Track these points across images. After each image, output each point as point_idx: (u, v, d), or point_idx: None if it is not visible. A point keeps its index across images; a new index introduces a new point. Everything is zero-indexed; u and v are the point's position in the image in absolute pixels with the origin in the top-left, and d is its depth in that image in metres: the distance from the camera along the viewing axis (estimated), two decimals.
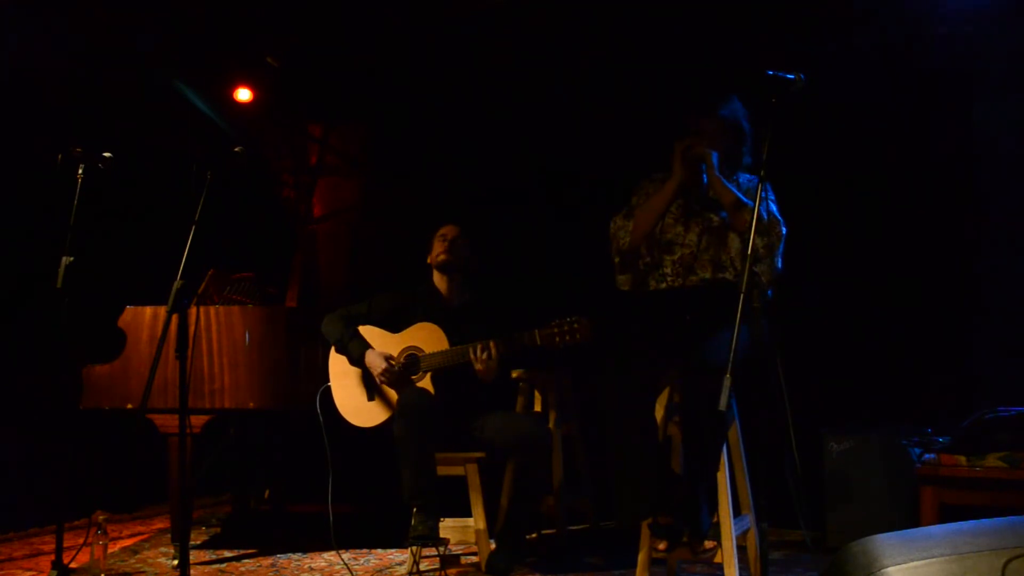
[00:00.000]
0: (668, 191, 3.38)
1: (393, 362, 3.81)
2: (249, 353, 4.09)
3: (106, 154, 3.76)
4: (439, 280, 4.02)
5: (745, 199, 3.28)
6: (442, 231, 4.03)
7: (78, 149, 3.72)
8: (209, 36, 5.03)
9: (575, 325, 3.57)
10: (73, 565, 3.75)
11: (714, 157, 3.32)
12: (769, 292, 3.18)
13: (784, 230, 3.21)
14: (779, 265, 3.22)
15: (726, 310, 3.23)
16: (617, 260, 3.46)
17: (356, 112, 5.45)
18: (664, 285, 3.39)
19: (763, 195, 3.30)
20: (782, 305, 3.20)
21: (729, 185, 3.32)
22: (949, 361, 4.21)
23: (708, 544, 3.08)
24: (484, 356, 3.65)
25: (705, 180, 3.37)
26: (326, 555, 4.08)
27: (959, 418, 3.50)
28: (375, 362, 3.81)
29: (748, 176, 3.45)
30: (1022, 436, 3.27)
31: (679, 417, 3.26)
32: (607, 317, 3.60)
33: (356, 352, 3.86)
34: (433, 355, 3.80)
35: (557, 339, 3.59)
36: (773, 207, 3.27)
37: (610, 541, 4.22)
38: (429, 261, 4.02)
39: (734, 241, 3.31)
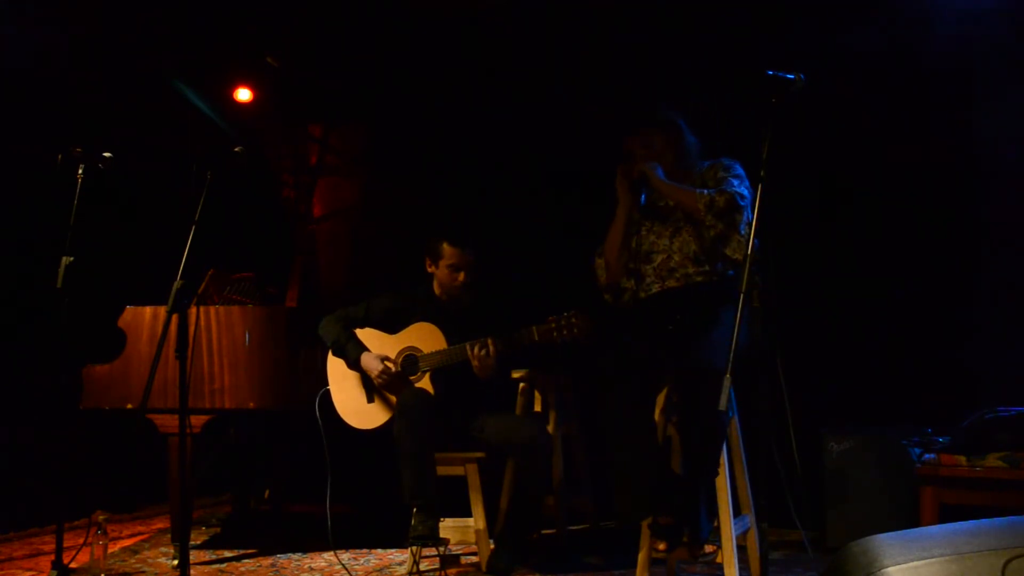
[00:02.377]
0: (619, 220, 3.47)
1: (389, 363, 3.81)
2: (249, 353, 4.08)
3: (106, 154, 3.76)
4: (438, 286, 4.00)
5: (696, 189, 3.32)
6: (453, 259, 3.87)
7: (78, 149, 3.72)
8: (209, 36, 5.03)
9: (572, 320, 3.56)
10: (73, 565, 3.75)
11: (657, 170, 3.38)
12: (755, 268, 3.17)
13: (743, 203, 3.22)
14: (754, 240, 3.22)
15: (718, 304, 3.25)
16: (608, 296, 3.57)
17: (356, 112, 5.44)
18: (654, 290, 3.41)
19: (723, 175, 3.35)
20: (782, 305, 3.20)
21: (678, 184, 3.36)
22: (949, 361, 4.21)
23: (708, 548, 3.08)
24: (482, 353, 3.64)
25: (643, 200, 3.45)
26: (326, 555, 4.08)
27: (959, 418, 3.50)
28: (372, 364, 3.80)
29: (709, 162, 3.49)
30: (1022, 436, 3.26)
31: (678, 417, 3.27)
32: (605, 317, 3.60)
33: (353, 354, 3.86)
34: (431, 355, 3.80)
35: (555, 335, 3.58)
36: (735, 183, 3.30)
37: (610, 541, 4.22)
38: (430, 270, 3.97)
39: (704, 232, 3.34)
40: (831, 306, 4.38)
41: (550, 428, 4.10)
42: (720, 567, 3.16)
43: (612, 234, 3.49)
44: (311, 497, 4.85)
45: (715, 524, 3.14)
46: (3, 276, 4.83)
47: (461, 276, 3.90)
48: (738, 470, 3.33)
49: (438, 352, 3.79)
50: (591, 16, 4.76)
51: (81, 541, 3.87)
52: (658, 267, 3.41)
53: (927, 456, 3.42)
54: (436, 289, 3.99)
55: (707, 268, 3.35)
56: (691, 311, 3.33)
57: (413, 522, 3.56)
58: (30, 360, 4.63)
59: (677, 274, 3.38)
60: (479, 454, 3.76)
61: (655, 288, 3.41)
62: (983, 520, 1.95)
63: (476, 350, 3.65)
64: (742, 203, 3.23)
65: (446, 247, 3.89)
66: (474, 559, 3.92)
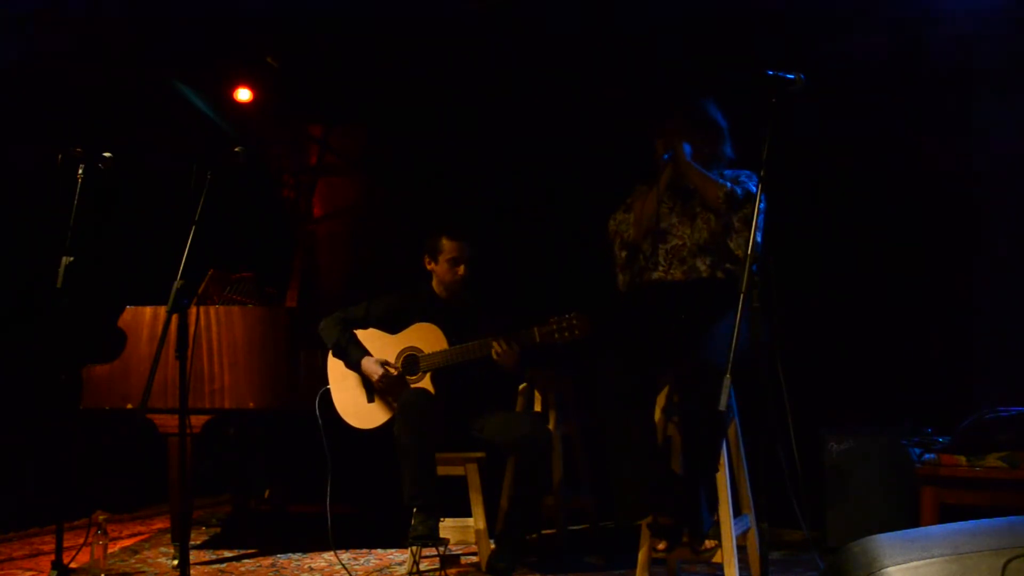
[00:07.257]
0: (661, 181, 3.39)
1: (390, 367, 3.81)
2: (249, 353, 4.08)
3: (106, 154, 3.76)
4: (438, 283, 4.00)
5: (716, 177, 3.31)
6: (453, 253, 3.89)
7: (78, 149, 3.72)
8: (209, 36, 5.03)
9: (574, 321, 3.57)
10: (73, 565, 3.75)
11: (686, 147, 3.35)
12: (754, 267, 3.18)
13: (762, 204, 3.22)
14: (758, 239, 3.22)
15: (720, 303, 3.25)
16: (624, 254, 3.47)
17: (356, 112, 5.44)
18: (658, 275, 3.40)
19: (740, 177, 3.34)
20: (782, 305, 3.21)
21: (698, 166, 3.34)
22: (949, 361, 4.21)
23: (708, 544, 3.08)
24: (506, 348, 3.63)
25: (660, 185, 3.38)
26: (326, 555, 4.08)
27: (959, 418, 3.50)
28: (371, 368, 3.81)
29: (732, 171, 3.47)
30: (1022, 436, 3.26)
31: (678, 417, 3.27)
32: (605, 316, 3.60)
33: (355, 357, 3.86)
34: (432, 355, 3.80)
35: (556, 336, 3.59)
36: (752, 187, 3.29)
37: (610, 541, 4.22)
38: (429, 268, 3.97)
39: (715, 223, 3.33)
40: (831, 306, 4.38)
41: (550, 428, 4.10)
42: (720, 566, 3.16)
43: (651, 193, 3.42)
44: (311, 497, 4.84)
45: (715, 518, 3.14)
46: (3, 276, 4.83)
47: (461, 270, 3.90)
48: (738, 470, 3.33)
49: (439, 352, 3.79)
50: (592, 18, 4.75)
51: (81, 541, 3.86)
52: (670, 250, 3.40)
53: (927, 456, 3.42)
54: (436, 287, 3.99)
55: (711, 261, 3.35)
56: (692, 310, 3.32)
57: (413, 522, 3.56)
58: (30, 360, 4.63)
59: (685, 266, 3.36)
60: (479, 454, 3.76)
61: (659, 272, 3.40)
62: (983, 520, 1.95)
63: (502, 346, 3.63)
64: (761, 206, 3.22)
65: (445, 241, 3.90)
66: (474, 559, 3.92)
